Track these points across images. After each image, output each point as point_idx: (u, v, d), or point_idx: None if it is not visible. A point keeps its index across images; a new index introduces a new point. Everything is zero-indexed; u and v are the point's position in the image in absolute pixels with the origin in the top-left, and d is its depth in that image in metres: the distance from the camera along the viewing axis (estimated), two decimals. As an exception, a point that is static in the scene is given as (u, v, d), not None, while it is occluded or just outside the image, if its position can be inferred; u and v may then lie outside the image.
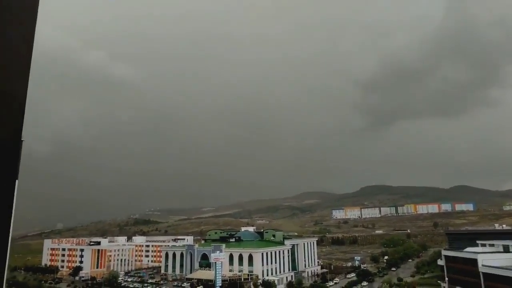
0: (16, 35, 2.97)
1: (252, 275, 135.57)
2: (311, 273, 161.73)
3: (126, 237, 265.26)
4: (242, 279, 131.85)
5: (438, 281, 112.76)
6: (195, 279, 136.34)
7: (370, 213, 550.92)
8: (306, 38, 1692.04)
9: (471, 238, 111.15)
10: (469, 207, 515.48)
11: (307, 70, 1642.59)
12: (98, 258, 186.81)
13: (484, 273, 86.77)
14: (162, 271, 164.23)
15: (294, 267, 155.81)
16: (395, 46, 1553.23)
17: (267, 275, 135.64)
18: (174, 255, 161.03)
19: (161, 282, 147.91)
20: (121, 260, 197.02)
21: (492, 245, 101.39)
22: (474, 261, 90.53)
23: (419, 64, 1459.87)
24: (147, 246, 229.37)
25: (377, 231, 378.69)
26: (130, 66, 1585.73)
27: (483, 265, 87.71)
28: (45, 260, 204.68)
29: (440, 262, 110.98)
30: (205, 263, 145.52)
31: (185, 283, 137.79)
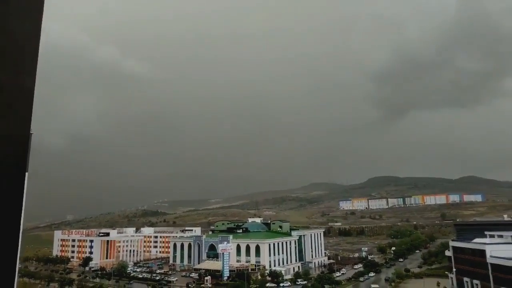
0: (22, 29, 2.97)
1: (259, 265, 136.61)
2: (318, 264, 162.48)
3: (134, 228, 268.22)
4: (250, 270, 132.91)
5: (446, 272, 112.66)
6: (203, 269, 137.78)
7: (378, 204, 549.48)
8: (317, 32, 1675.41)
9: (480, 229, 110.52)
10: (477, 198, 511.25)
11: (318, 64, 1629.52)
12: (107, 249, 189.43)
13: (492, 264, 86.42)
14: (171, 261, 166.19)
15: (301, 258, 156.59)
16: (407, 37, 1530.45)
17: (274, 266, 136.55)
18: (182, 246, 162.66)
19: (170, 272, 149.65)
20: (130, 251, 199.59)
21: (501, 236, 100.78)
22: (483, 252, 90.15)
23: (432, 55, 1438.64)
24: (156, 237, 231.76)
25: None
26: (140, 62, 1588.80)
27: (491, 256, 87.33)
28: (56, 251, 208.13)
29: (448, 253, 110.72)
30: (213, 253, 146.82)
31: (193, 273, 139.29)
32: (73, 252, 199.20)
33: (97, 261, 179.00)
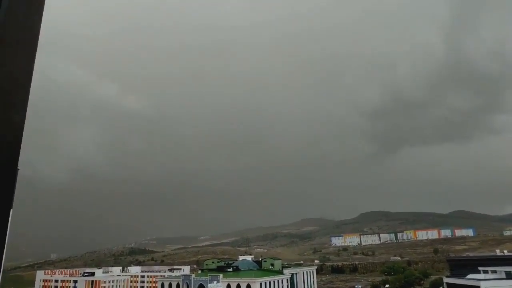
0: (15, 64, 2.95)
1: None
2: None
3: (121, 268, 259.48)
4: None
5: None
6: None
7: (370, 240, 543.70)
8: (308, 71, 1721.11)
9: (473, 265, 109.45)
10: (469, 232, 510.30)
11: (309, 100, 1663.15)
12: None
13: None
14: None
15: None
16: (399, 76, 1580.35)
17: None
18: (170, 285, 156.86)
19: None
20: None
21: (495, 272, 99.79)
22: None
23: (423, 93, 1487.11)
24: (143, 276, 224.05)
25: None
26: (140, 97, 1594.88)
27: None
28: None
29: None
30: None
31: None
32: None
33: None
